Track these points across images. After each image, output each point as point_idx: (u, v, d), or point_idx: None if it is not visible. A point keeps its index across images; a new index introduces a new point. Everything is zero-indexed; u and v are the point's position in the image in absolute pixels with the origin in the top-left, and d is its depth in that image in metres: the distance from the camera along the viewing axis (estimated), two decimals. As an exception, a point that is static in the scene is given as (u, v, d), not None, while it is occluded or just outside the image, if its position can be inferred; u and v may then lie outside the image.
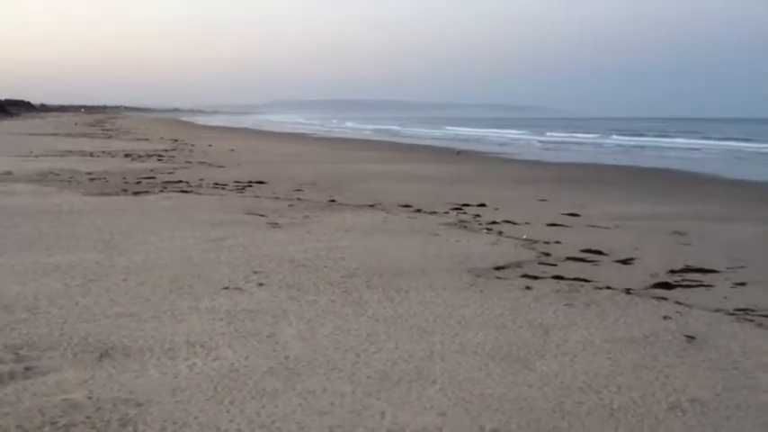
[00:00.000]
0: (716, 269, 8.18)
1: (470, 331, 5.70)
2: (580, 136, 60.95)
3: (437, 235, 10.18)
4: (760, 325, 6.02)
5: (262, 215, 11.68)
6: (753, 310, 6.47)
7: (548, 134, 65.31)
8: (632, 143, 50.08)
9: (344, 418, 4.10)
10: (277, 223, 10.90)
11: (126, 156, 26.06)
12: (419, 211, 12.72)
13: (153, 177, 17.94)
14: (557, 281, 7.48)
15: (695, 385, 4.64)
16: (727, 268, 8.27)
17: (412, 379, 4.68)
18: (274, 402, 4.29)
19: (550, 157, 33.71)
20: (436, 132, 69.84)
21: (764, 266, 8.48)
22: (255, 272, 7.56)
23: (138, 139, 39.82)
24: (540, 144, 48.08)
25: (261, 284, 7.05)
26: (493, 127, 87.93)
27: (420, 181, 18.78)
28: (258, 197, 14.32)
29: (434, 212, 12.53)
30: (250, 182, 17.08)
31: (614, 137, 59.31)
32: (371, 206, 13.17)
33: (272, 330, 5.62)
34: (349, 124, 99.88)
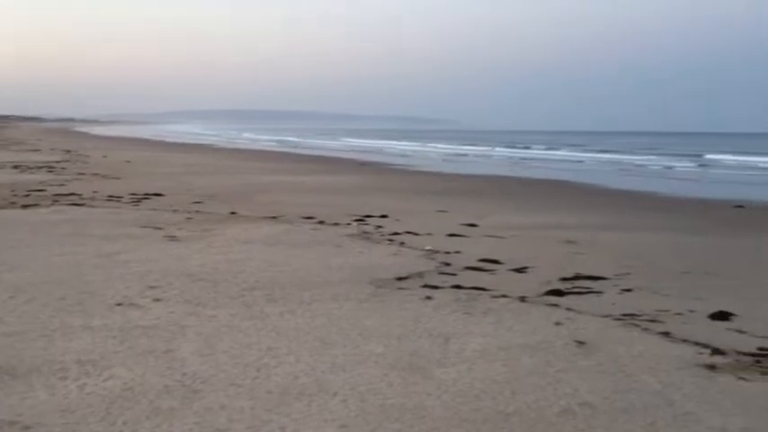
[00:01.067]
0: (604, 276, 8.54)
1: (372, 342, 5.74)
2: (468, 148, 62.60)
3: (340, 246, 10.20)
4: (645, 329, 6.32)
5: (159, 228, 11.40)
6: (638, 315, 6.78)
7: (438, 146, 66.62)
8: (519, 155, 51.96)
9: (243, 435, 4.05)
10: (175, 236, 10.66)
11: (15, 167, 24.93)
12: (322, 222, 12.72)
13: (43, 190, 17.23)
14: (456, 290, 7.63)
15: (585, 389, 4.82)
16: (615, 275, 8.64)
17: (313, 392, 4.67)
18: (170, 421, 4.19)
19: (450, 168, 34.38)
20: (335, 144, 70.27)
21: (649, 273, 8.91)
22: (151, 287, 7.37)
23: (29, 150, 38.14)
24: (437, 156, 49.05)
25: (157, 300, 6.88)
26: (390, 139, 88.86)
27: (322, 192, 18.77)
28: (155, 210, 13.97)
29: (337, 224, 12.55)
30: (147, 194, 16.64)
31: (498, 149, 61.27)
32: (273, 218, 13.08)
33: (168, 347, 5.49)
34: (248, 135, 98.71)
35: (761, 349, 5.79)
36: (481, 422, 4.26)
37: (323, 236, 11.15)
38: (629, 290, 7.91)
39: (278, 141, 73.89)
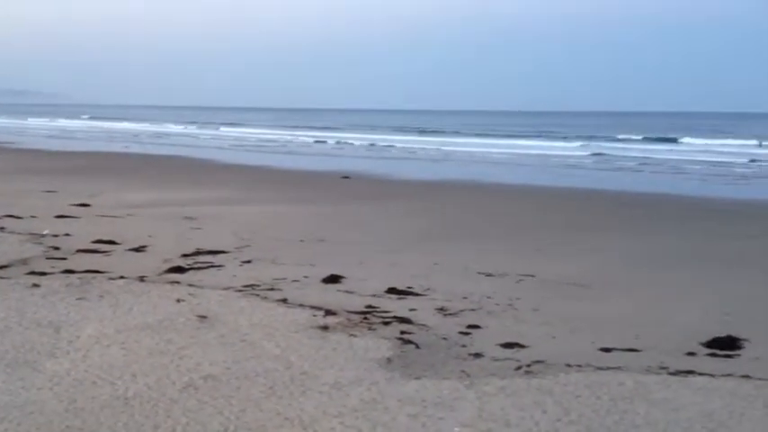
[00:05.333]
0: (225, 250, 8.64)
1: (-33, 340, 5.06)
2: (76, 123, 60.58)
3: None
4: (264, 298, 6.53)
5: None
6: (258, 285, 6.99)
7: (41, 121, 63.46)
8: (135, 131, 51.50)
9: None
10: None
11: None
12: None
13: None
14: (67, 275, 7.11)
15: (208, 362, 4.82)
16: (235, 248, 8.80)
17: None
18: None
19: (56, 145, 31.95)
20: None
21: (267, 244, 9.23)
22: None
23: None
24: (40, 132, 45.46)
25: None
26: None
27: None
28: None
29: None
30: None
31: (108, 124, 60.51)
32: None
33: None
34: None
35: (368, 307, 6.35)
36: (99, 410, 4.01)
37: None
38: (248, 261, 8.11)
39: None
